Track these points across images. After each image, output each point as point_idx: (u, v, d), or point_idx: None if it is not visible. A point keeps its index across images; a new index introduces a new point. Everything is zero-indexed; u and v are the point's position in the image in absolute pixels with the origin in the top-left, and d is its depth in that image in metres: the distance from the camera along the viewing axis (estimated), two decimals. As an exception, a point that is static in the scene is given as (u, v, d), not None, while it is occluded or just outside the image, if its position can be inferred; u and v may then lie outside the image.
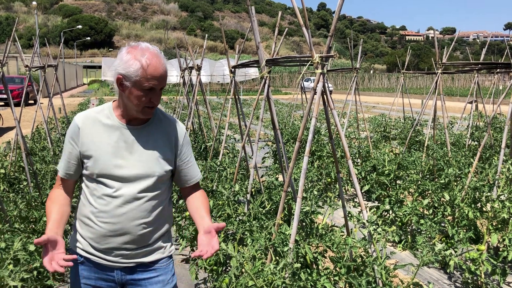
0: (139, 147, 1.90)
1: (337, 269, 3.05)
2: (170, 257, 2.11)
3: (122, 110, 1.90)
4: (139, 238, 1.92)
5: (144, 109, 1.84)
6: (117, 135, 1.89)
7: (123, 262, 1.94)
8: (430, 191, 5.13)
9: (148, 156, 1.91)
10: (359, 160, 7.59)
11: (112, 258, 1.93)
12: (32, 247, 3.39)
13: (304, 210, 3.66)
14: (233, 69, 5.47)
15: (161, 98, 1.92)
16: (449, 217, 4.81)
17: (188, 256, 4.61)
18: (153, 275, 2.00)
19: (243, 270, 2.90)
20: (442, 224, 4.91)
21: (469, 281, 3.94)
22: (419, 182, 5.30)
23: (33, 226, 4.11)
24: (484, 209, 4.46)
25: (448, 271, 4.25)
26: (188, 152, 2.06)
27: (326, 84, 3.04)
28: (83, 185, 1.95)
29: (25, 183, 5.54)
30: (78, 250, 1.98)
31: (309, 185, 5.95)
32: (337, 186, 6.64)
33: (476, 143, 8.85)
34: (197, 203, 2.05)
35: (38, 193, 4.84)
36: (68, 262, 1.70)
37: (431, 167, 6.34)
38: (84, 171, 1.91)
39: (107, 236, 1.89)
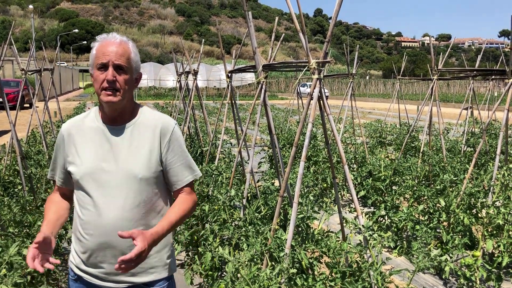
0: (123, 148, 1.81)
1: (333, 274, 3.04)
2: (169, 278, 1.94)
3: (102, 110, 1.87)
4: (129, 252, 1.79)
5: (103, 93, 1.75)
6: (101, 137, 1.83)
7: (113, 281, 1.83)
8: (425, 197, 5.14)
9: (132, 157, 1.80)
10: (355, 166, 7.60)
11: (102, 275, 1.82)
12: (26, 252, 3.36)
13: (300, 215, 3.66)
14: (229, 74, 5.48)
15: (129, 87, 1.81)
16: (445, 223, 4.82)
17: (183, 261, 4.59)
18: None
19: (238, 275, 2.89)
20: (438, 230, 4.92)
21: (464, 287, 3.94)
22: (415, 188, 5.31)
23: (27, 230, 4.08)
24: (479, 215, 4.47)
25: (443, 277, 4.25)
26: (177, 150, 1.88)
27: (322, 89, 3.05)
28: (74, 196, 1.90)
29: (19, 187, 5.51)
30: (72, 266, 1.92)
31: (305, 190, 5.95)
32: (333, 191, 6.64)
33: (471, 149, 8.88)
34: (172, 208, 1.87)
35: (32, 197, 4.81)
36: (50, 265, 1.69)
37: (426, 173, 6.35)
38: (72, 179, 1.86)
39: (94, 249, 1.80)
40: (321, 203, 4.52)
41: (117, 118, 1.84)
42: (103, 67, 1.76)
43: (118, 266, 1.57)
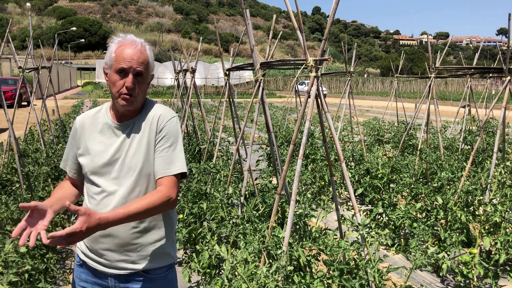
0: (128, 143, 1.88)
1: (330, 272, 3.05)
2: (170, 267, 2.00)
3: (113, 106, 1.93)
4: (130, 241, 1.87)
5: (121, 96, 1.82)
6: (110, 133, 1.90)
7: (115, 267, 1.89)
8: (423, 195, 5.15)
9: (134, 151, 1.86)
10: (352, 164, 7.60)
11: (105, 262, 1.89)
12: (23, 249, 3.36)
13: (297, 213, 3.66)
14: (227, 72, 5.48)
15: (143, 92, 1.88)
16: (442, 221, 4.83)
17: (181, 259, 4.59)
18: (147, 285, 1.92)
19: (236, 273, 2.90)
20: (435, 228, 4.93)
21: (461, 284, 3.95)
22: (412, 186, 5.32)
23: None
24: (476, 212, 4.49)
25: (440, 274, 4.26)
26: (165, 141, 1.87)
27: (320, 87, 3.05)
28: (84, 186, 1.99)
29: (17, 185, 5.50)
30: (78, 252, 2.00)
31: (303, 188, 5.96)
32: (330, 189, 6.65)
33: (468, 147, 8.90)
34: (139, 198, 1.80)
35: (30, 195, 4.81)
36: (32, 238, 1.60)
37: (424, 171, 6.36)
38: (83, 171, 1.95)
39: (97, 237, 1.87)
40: (318, 201, 4.52)
41: (127, 115, 1.91)
42: (123, 72, 1.81)
43: (49, 241, 1.54)
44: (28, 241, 1.62)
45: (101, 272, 1.92)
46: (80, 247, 1.97)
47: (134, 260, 1.89)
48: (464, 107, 9.91)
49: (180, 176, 1.90)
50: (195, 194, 4.94)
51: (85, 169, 1.91)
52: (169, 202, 1.80)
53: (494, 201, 4.32)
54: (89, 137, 1.92)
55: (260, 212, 4.48)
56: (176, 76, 9.99)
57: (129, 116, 1.91)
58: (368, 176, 6.37)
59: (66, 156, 2.03)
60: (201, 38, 9.38)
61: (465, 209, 4.53)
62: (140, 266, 1.90)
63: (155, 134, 1.87)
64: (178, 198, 5.14)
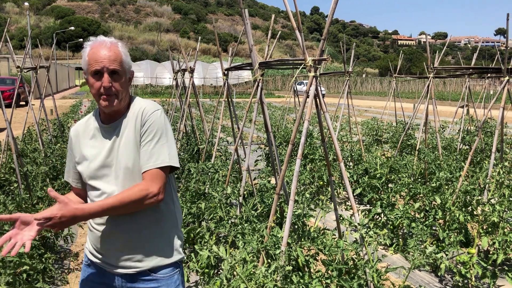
0: (118, 143, 1.90)
1: (329, 272, 3.05)
2: (177, 266, 2.01)
3: (101, 109, 1.95)
4: (134, 238, 1.89)
5: (101, 97, 1.84)
6: (101, 136, 1.93)
7: (121, 267, 1.91)
8: (421, 195, 5.15)
9: (124, 150, 1.88)
10: (351, 164, 7.61)
11: (112, 261, 1.92)
12: (21, 249, 3.35)
13: (296, 213, 3.67)
14: (226, 72, 5.48)
15: (124, 89, 1.88)
16: (440, 221, 4.84)
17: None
18: (154, 285, 1.93)
19: (234, 273, 2.90)
20: (433, 228, 4.94)
21: (459, 284, 3.96)
22: (411, 186, 5.32)
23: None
24: (474, 212, 4.49)
25: (439, 274, 4.27)
26: (148, 134, 1.85)
27: (319, 87, 3.05)
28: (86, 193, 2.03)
29: (15, 185, 5.49)
30: (86, 252, 2.04)
31: (302, 188, 5.96)
32: (329, 189, 6.65)
33: (467, 147, 8.92)
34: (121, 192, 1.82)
35: (28, 195, 4.79)
36: (16, 247, 1.67)
37: (422, 171, 6.37)
38: (82, 177, 1.99)
39: (102, 237, 1.91)
40: (317, 201, 4.53)
41: (114, 116, 1.93)
42: (98, 73, 1.83)
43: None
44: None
45: (109, 272, 1.95)
46: (88, 248, 2.01)
47: (139, 259, 1.91)
48: (462, 107, 9.93)
49: (170, 170, 1.90)
50: (194, 194, 4.94)
51: (83, 175, 1.95)
52: (149, 197, 1.78)
53: (492, 201, 4.32)
54: (84, 144, 1.96)
55: (258, 212, 4.48)
56: (174, 76, 9.97)
57: (117, 116, 1.93)
58: (367, 176, 6.38)
59: (67, 168, 2.08)
60: (199, 37, 9.36)
61: (463, 209, 4.54)
62: (146, 264, 1.92)
63: (140, 128, 1.88)
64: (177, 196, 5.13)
